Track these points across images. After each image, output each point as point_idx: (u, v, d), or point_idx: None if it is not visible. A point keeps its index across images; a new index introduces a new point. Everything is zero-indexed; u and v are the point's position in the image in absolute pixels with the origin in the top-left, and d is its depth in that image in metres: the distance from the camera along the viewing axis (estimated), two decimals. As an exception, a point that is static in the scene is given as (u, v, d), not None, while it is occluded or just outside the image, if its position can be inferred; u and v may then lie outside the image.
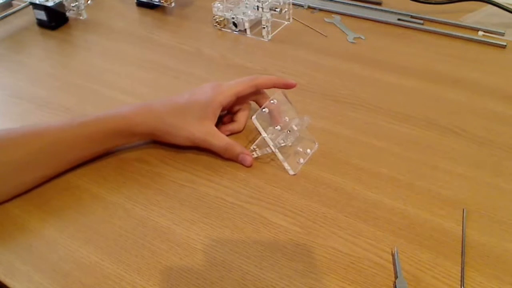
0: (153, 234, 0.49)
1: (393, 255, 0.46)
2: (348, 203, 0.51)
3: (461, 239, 0.47)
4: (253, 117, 0.55)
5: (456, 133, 0.60)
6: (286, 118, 0.58)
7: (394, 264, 0.45)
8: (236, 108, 0.62)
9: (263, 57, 0.76)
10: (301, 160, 0.56)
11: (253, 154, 0.57)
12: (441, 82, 0.69)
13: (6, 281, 0.45)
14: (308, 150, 0.57)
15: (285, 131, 0.56)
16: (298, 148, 0.57)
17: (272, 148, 0.55)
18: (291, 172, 0.55)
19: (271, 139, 0.55)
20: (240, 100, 0.60)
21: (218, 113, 0.58)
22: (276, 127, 0.56)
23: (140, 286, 0.45)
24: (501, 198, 0.51)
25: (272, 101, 0.57)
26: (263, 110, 0.56)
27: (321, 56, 0.76)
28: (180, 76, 0.73)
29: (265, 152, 0.56)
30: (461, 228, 0.48)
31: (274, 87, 0.61)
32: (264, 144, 0.56)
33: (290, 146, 0.57)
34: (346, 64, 0.74)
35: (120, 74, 0.74)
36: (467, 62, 0.73)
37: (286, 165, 0.56)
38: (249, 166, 0.56)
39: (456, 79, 0.69)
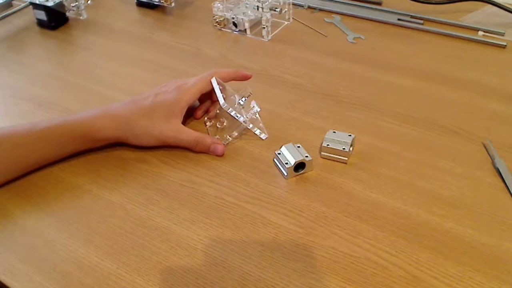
0: (153, 234, 0.49)
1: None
2: (348, 203, 0.51)
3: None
4: (212, 79, 0.60)
5: (456, 133, 0.60)
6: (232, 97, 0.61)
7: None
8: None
9: (263, 57, 0.76)
10: (261, 125, 0.60)
11: (223, 142, 0.58)
12: (441, 82, 0.69)
13: (6, 281, 0.45)
14: (254, 111, 0.59)
15: (235, 105, 0.60)
16: (249, 116, 0.59)
17: (234, 114, 0.58)
18: (264, 136, 0.59)
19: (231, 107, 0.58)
20: (203, 95, 0.61)
21: (184, 111, 0.59)
22: (231, 97, 0.60)
23: (140, 286, 0.45)
24: (501, 198, 0.51)
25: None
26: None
27: (321, 56, 0.76)
28: (180, 76, 0.73)
29: (224, 123, 0.61)
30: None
31: (233, 80, 0.64)
32: (222, 114, 0.61)
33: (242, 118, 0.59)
34: (346, 64, 0.74)
35: (120, 74, 0.74)
36: (467, 62, 0.73)
37: (257, 131, 0.59)
38: (221, 155, 0.57)
39: (456, 79, 0.69)
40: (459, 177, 0.54)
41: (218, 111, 0.63)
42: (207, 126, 0.62)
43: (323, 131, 0.58)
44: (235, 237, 0.48)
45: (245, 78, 0.65)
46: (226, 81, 0.63)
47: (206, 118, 0.63)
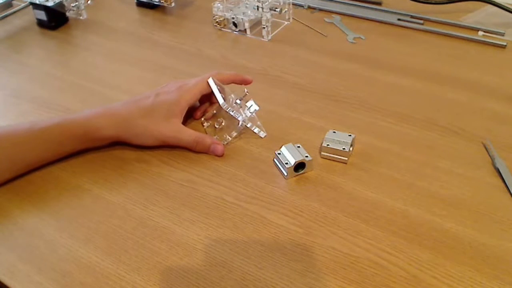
0: (153, 234, 0.49)
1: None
2: (348, 203, 0.51)
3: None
4: (209, 79, 0.60)
5: (456, 133, 0.60)
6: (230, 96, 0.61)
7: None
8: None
9: (263, 57, 0.76)
10: (259, 123, 0.60)
11: (223, 142, 0.59)
12: (441, 82, 0.69)
13: (6, 281, 0.45)
14: (252, 109, 0.59)
15: (233, 105, 0.60)
16: (247, 115, 0.59)
17: (232, 113, 0.58)
18: (263, 134, 0.59)
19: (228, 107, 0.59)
20: (204, 96, 0.61)
21: (184, 111, 0.59)
22: (228, 97, 0.60)
23: (140, 286, 0.45)
24: (501, 198, 0.51)
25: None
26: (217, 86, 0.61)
27: (321, 56, 0.76)
28: (180, 76, 0.73)
29: (222, 123, 0.61)
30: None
31: (233, 82, 0.64)
32: (220, 114, 0.62)
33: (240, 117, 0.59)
34: (346, 64, 0.74)
35: (120, 74, 0.74)
36: (467, 62, 0.73)
37: (256, 129, 0.59)
38: (221, 155, 0.58)
39: (456, 79, 0.69)
40: (459, 177, 0.54)
41: (215, 112, 0.64)
42: (204, 127, 0.62)
43: (323, 131, 0.58)
44: (235, 237, 0.48)
45: (245, 82, 0.64)
46: (226, 84, 0.63)
47: (203, 119, 0.63)
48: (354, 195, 0.52)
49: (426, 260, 0.45)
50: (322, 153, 0.57)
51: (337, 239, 0.48)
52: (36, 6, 0.84)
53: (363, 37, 0.80)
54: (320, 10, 0.89)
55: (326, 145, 0.56)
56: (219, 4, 0.83)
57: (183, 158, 0.58)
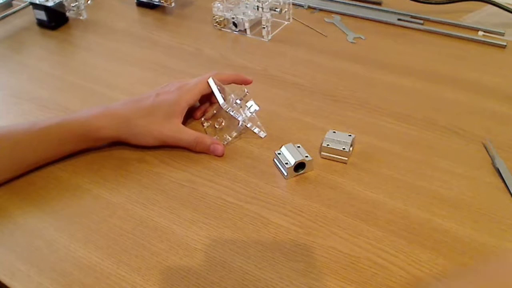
0: (153, 234, 0.49)
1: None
2: (348, 203, 0.51)
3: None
4: (209, 79, 0.60)
5: (456, 133, 0.60)
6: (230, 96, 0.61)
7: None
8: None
9: (263, 57, 0.76)
10: (259, 123, 0.60)
11: (223, 142, 0.59)
12: (441, 82, 0.69)
13: (6, 281, 0.46)
14: (252, 109, 0.59)
15: (233, 105, 0.60)
16: (247, 115, 0.59)
17: (233, 112, 0.58)
18: (263, 134, 0.60)
19: (229, 108, 0.59)
20: (204, 96, 0.61)
21: (184, 111, 0.59)
22: (228, 97, 0.60)
23: (140, 286, 0.45)
24: (501, 198, 0.51)
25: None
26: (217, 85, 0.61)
27: (321, 56, 0.76)
28: (180, 76, 0.73)
29: (222, 123, 0.61)
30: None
31: (233, 83, 0.64)
32: (220, 114, 0.62)
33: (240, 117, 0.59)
34: (346, 64, 0.74)
35: (120, 74, 0.74)
36: (467, 62, 0.73)
37: (256, 129, 0.60)
38: (221, 155, 0.58)
39: (456, 79, 0.69)
40: (459, 177, 0.54)
41: (215, 112, 0.64)
42: (204, 127, 0.62)
43: (323, 131, 0.58)
44: (235, 237, 0.48)
45: (245, 82, 0.64)
46: (226, 84, 0.63)
47: (203, 119, 0.63)
48: (354, 195, 0.52)
49: (426, 260, 0.45)
50: (322, 153, 0.57)
51: (337, 239, 0.48)
52: (36, 6, 0.84)
53: (363, 37, 0.80)
54: (320, 10, 0.89)
55: (326, 145, 0.56)
56: (219, 4, 0.83)
57: (183, 158, 0.58)
